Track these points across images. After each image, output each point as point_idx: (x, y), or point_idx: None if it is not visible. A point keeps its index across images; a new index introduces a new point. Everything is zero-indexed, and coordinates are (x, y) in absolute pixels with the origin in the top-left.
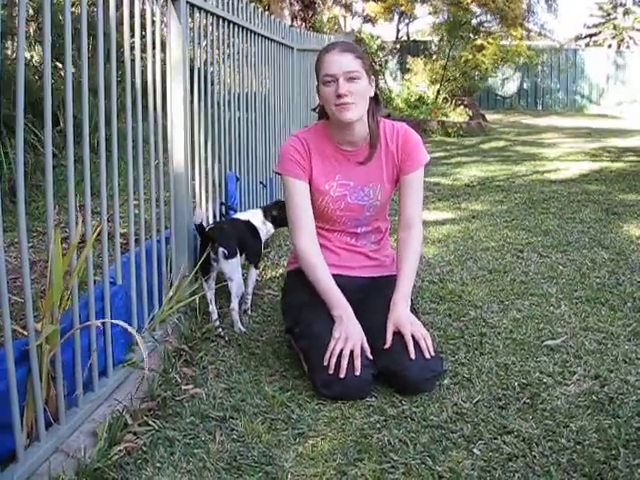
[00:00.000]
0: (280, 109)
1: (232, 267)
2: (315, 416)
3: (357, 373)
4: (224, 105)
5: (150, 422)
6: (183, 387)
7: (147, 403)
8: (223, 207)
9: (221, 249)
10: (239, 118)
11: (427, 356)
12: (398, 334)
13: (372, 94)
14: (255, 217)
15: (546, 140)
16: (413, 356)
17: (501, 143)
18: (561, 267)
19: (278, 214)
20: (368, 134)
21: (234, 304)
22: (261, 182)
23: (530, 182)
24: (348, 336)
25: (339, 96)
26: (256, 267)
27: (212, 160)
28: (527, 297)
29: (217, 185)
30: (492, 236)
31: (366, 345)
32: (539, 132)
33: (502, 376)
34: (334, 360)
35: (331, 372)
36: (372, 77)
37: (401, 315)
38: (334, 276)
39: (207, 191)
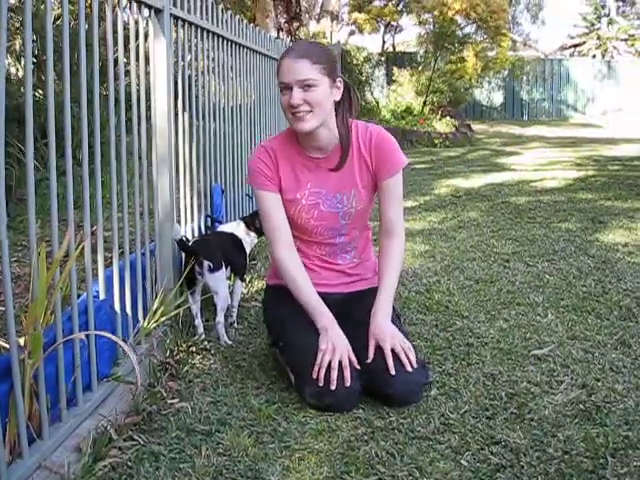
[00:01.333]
0: (266, 120)
1: (217, 280)
2: (302, 429)
3: (347, 384)
4: (209, 117)
5: (135, 437)
6: (169, 401)
7: (132, 417)
8: (209, 219)
9: (206, 262)
10: (225, 130)
11: (409, 369)
12: (380, 348)
13: (338, 98)
14: (238, 229)
15: (531, 150)
16: (393, 372)
17: (487, 153)
18: (547, 276)
19: (261, 223)
20: (333, 138)
21: (220, 317)
22: (247, 194)
23: (516, 191)
24: (335, 347)
25: (291, 106)
26: (242, 279)
27: (197, 172)
28: (514, 306)
29: (203, 197)
30: (479, 246)
31: (353, 356)
32: (525, 142)
33: (489, 386)
34: (323, 372)
35: (321, 384)
36: (337, 80)
37: (380, 328)
38: None
39: (192, 203)
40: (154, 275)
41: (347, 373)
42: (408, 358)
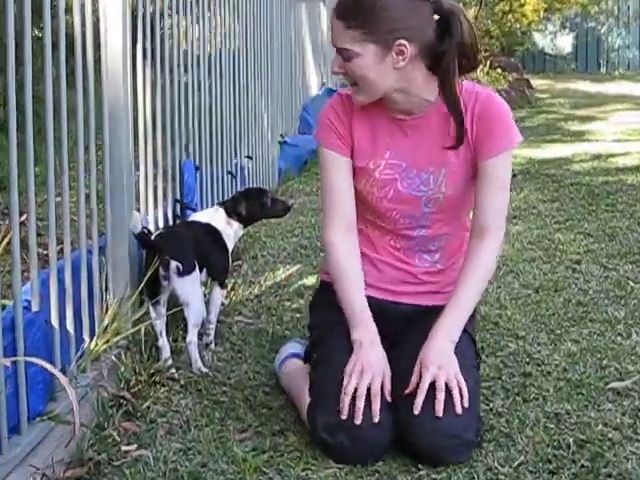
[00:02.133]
0: (257, 73)
1: (188, 287)
2: None
3: (375, 420)
4: (179, 68)
5: None
6: (123, 448)
7: (74, 470)
8: (178, 205)
9: (174, 263)
10: (200, 86)
11: (458, 410)
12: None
13: (402, 64)
14: (216, 217)
15: (611, 113)
16: (417, 411)
17: (552, 117)
18: (632, 283)
19: (247, 208)
20: (422, 99)
21: (192, 336)
22: (229, 172)
23: (590, 170)
24: (365, 368)
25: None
26: (222, 286)
27: (163, 142)
28: (586, 324)
29: (170, 176)
30: (539, 242)
31: (388, 383)
32: (602, 103)
33: (553, 430)
34: (348, 401)
35: (344, 417)
36: (398, 43)
37: (431, 350)
38: (368, 298)
39: (156, 184)
40: (104, 280)
41: (376, 405)
42: (451, 399)
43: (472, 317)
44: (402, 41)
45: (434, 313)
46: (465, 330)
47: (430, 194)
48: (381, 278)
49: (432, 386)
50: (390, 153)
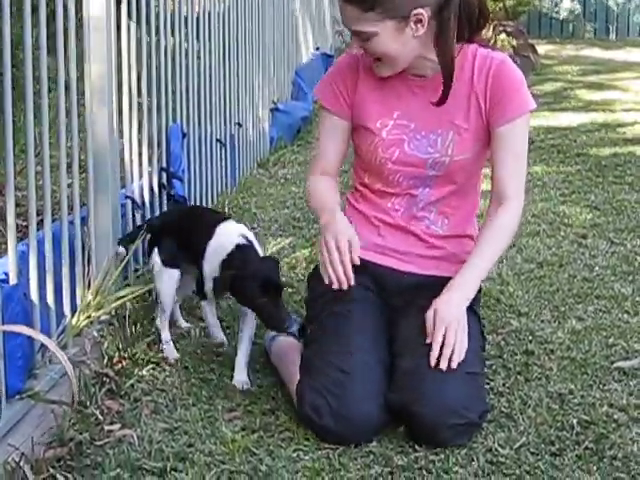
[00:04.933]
0: (249, 35)
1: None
2: (292, 467)
3: (351, 283)
4: (165, 29)
5: (59, 476)
6: (106, 427)
7: (55, 450)
8: (164, 175)
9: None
10: (188, 48)
11: (442, 366)
12: (425, 347)
13: (420, 32)
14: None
15: (621, 82)
16: (433, 363)
17: (558, 85)
18: None
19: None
20: (433, 63)
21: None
22: (218, 139)
23: (598, 140)
24: (339, 236)
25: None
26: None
27: (148, 108)
28: (591, 300)
29: (155, 144)
30: (544, 215)
31: (357, 244)
32: (611, 70)
33: (556, 411)
34: (334, 274)
35: (335, 286)
36: (415, 13)
37: (445, 304)
38: (371, 264)
39: (141, 152)
40: (87, 252)
41: (347, 264)
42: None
43: (478, 297)
44: (418, 9)
45: (438, 287)
46: (471, 308)
47: (437, 157)
48: (384, 242)
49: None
50: (398, 113)
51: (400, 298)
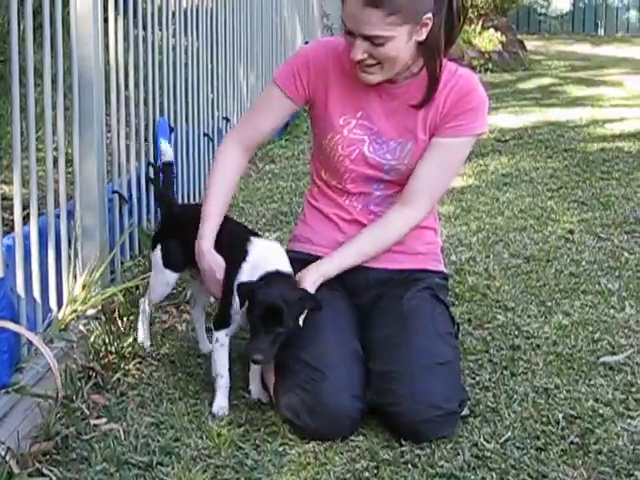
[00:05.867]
0: (237, 30)
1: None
2: (278, 462)
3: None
4: (153, 23)
5: (45, 471)
6: (92, 421)
7: (41, 444)
8: (151, 169)
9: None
10: (175, 42)
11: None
12: (395, 349)
13: (423, 37)
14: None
15: (610, 77)
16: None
17: (546, 81)
18: (626, 254)
19: None
20: (409, 71)
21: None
22: (206, 134)
23: (585, 136)
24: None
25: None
26: None
27: (136, 102)
28: (578, 295)
29: (143, 138)
30: (531, 210)
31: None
32: (599, 66)
33: (541, 405)
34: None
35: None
36: (425, 17)
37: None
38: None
39: (129, 146)
40: (73, 246)
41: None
42: None
43: (444, 285)
44: (428, 14)
45: (399, 282)
46: (436, 297)
47: (394, 164)
48: (345, 238)
49: (411, 355)
50: (362, 113)
51: (365, 296)
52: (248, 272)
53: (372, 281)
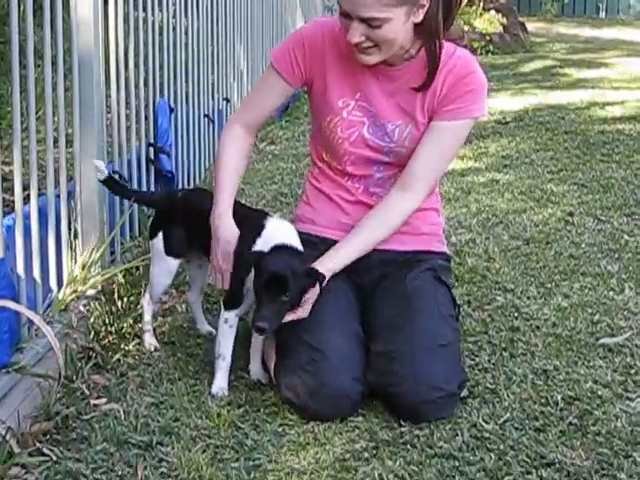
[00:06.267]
0: (235, 11)
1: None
2: (278, 442)
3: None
4: (153, 4)
5: (45, 450)
6: (92, 401)
7: (41, 424)
8: (152, 149)
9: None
10: (175, 24)
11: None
12: (398, 329)
13: (419, 19)
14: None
15: (611, 60)
16: None
17: (547, 63)
18: (626, 236)
19: None
20: (408, 54)
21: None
22: (207, 115)
23: (586, 118)
24: (224, 248)
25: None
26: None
27: (136, 82)
28: (577, 277)
29: (143, 118)
30: (531, 192)
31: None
32: (601, 49)
33: (540, 387)
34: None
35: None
36: None
37: None
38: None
39: (130, 127)
40: (73, 227)
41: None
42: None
43: (447, 267)
44: None
45: (402, 263)
46: (439, 278)
47: (393, 147)
48: (349, 219)
49: (413, 336)
50: (360, 94)
51: (368, 276)
52: (261, 247)
53: (375, 262)
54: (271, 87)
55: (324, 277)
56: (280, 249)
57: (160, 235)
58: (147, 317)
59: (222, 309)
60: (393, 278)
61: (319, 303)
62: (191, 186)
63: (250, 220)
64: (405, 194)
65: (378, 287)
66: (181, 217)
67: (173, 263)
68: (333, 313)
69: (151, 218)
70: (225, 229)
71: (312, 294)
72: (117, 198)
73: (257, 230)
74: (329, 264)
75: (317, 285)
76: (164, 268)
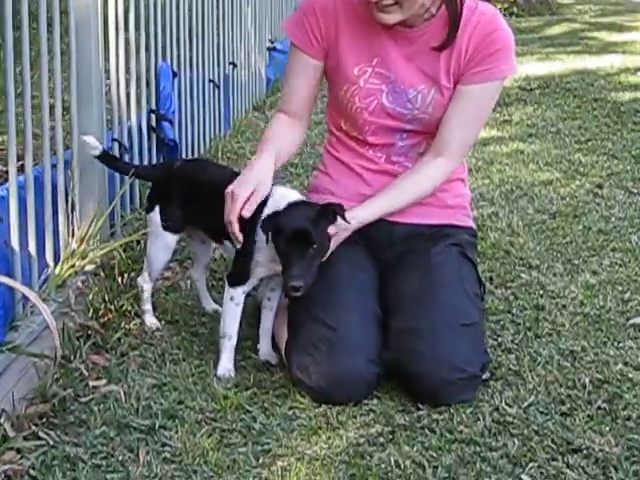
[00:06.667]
0: None
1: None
2: (288, 426)
3: (236, 237)
4: None
5: (41, 434)
6: (91, 383)
7: (37, 406)
8: (153, 117)
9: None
10: None
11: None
12: (420, 303)
13: None
14: None
15: None
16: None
17: (575, 27)
18: None
19: None
20: (428, 12)
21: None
22: (211, 80)
23: (616, 84)
24: (241, 186)
25: None
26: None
27: (137, 45)
28: (607, 253)
29: (144, 83)
30: (557, 163)
31: (261, 193)
32: (632, 11)
33: (567, 369)
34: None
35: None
36: None
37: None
38: None
39: (129, 92)
40: (71, 199)
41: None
42: None
43: (473, 242)
44: None
45: (428, 237)
46: (465, 255)
47: (416, 113)
48: (372, 190)
49: (435, 311)
50: (378, 60)
51: (390, 251)
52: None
53: (397, 236)
54: (297, 66)
55: (341, 206)
56: (294, 205)
57: (157, 209)
58: (145, 296)
59: (227, 286)
60: (416, 252)
61: (336, 278)
62: (195, 156)
63: None
64: (438, 160)
65: (400, 261)
66: (179, 189)
67: (171, 239)
68: (350, 289)
69: (148, 190)
70: (257, 163)
71: (340, 231)
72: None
73: (263, 201)
74: (358, 212)
75: (339, 218)
76: (161, 244)
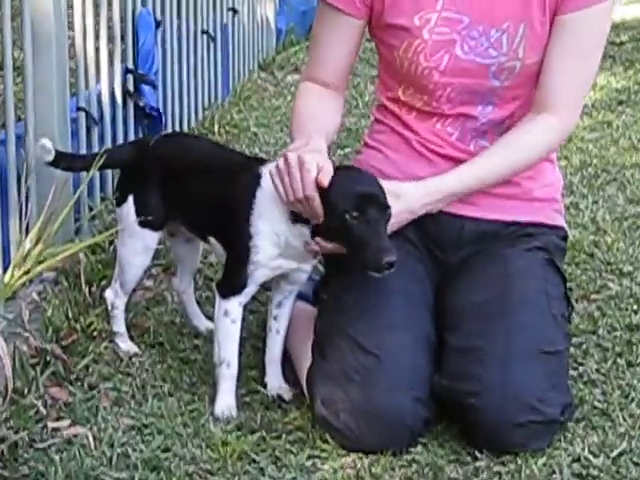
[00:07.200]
0: None
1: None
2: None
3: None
4: None
5: None
6: (51, 424)
7: None
8: (131, 78)
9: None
10: None
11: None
12: (489, 320)
13: None
14: None
15: None
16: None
17: None
18: None
19: None
20: None
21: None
22: (205, 31)
23: None
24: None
25: None
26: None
27: None
28: None
29: (119, 36)
30: None
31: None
32: None
33: None
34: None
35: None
36: None
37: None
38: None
39: (99, 47)
40: (25, 185)
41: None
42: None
43: (562, 248)
44: None
45: (511, 238)
46: (553, 263)
47: (503, 61)
48: (435, 173)
49: (509, 332)
50: (444, 2)
51: (456, 254)
52: (264, 201)
53: (467, 234)
54: (332, 27)
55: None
56: (342, 170)
57: (130, 199)
58: (117, 315)
59: (218, 298)
60: (488, 255)
61: (381, 288)
62: (185, 129)
63: (239, 170)
64: (544, 116)
65: (467, 266)
66: (158, 173)
67: (150, 238)
68: (399, 305)
69: (117, 178)
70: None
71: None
72: (84, 145)
73: (254, 182)
74: (431, 184)
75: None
76: (138, 245)
